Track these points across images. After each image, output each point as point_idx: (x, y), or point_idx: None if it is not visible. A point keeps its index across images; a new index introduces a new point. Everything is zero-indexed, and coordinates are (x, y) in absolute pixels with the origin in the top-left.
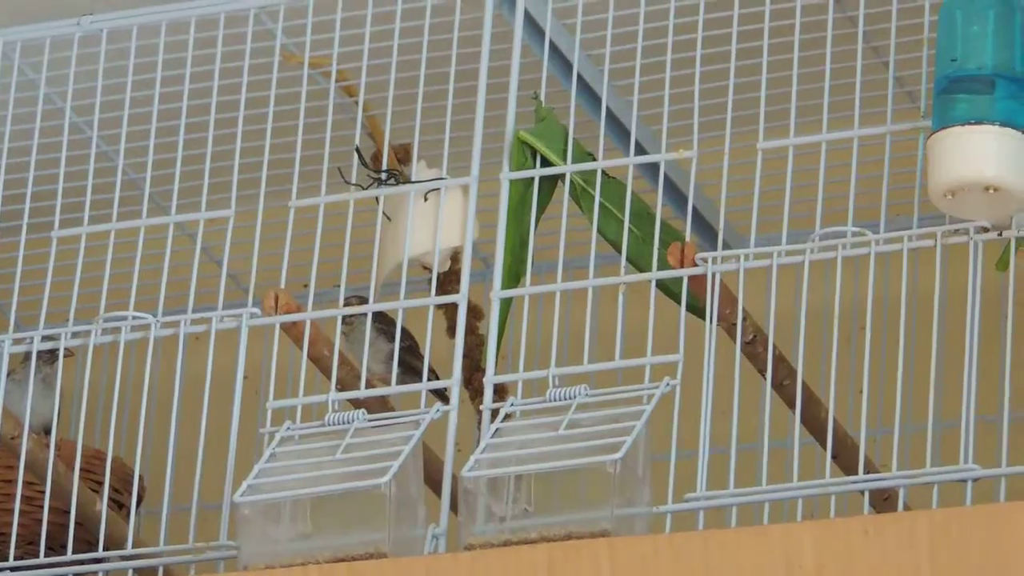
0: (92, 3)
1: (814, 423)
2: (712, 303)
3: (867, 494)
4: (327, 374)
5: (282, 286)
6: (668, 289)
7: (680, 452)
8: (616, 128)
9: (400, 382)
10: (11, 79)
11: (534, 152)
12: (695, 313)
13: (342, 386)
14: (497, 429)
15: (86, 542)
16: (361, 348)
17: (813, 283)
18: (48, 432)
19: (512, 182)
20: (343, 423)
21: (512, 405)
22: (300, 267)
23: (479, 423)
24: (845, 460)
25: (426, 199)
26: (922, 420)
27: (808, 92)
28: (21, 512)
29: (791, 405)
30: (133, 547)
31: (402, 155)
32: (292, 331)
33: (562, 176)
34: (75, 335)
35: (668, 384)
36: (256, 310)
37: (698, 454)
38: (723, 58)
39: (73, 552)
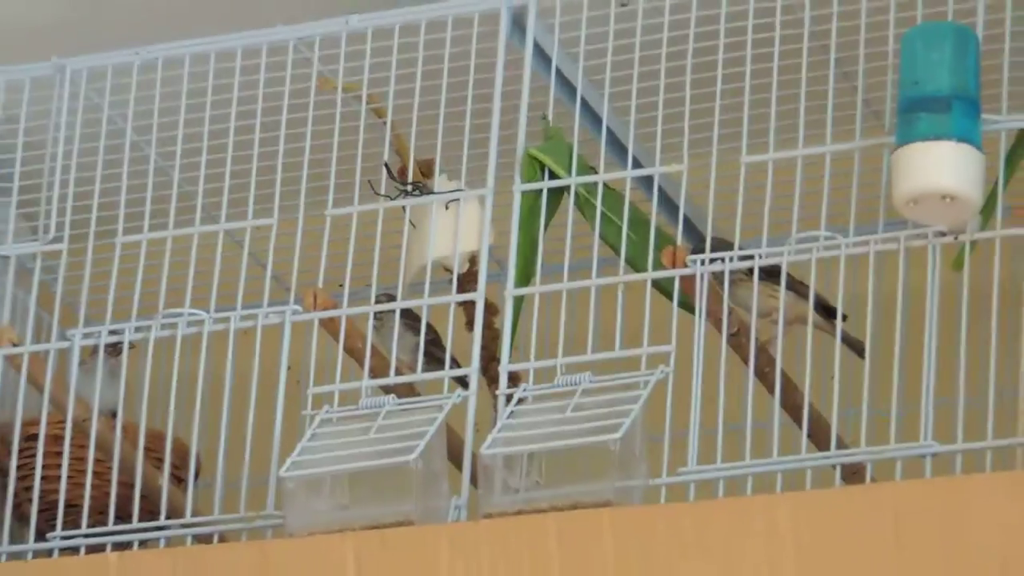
0: (149, 35)
1: (791, 406)
2: (701, 300)
3: (838, 468)
4: (360, 364)
5: (320, 286)
6: (662, 288)
7: (673, 432)
8: (615, 145)
9: (425, 371)
10: (79, 103)
11: (543, 166)
12: (686, 309)
13: (374, 374)
14: (511, 412)
15: (149, 512)
16: (390, 340)
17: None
18: (115, 415)
19: (523, 193)
20: (375, 407)
21: (524, 391)
22: (336, 269)
23: (495, 406)
24: (819, 438)
25: (447, 208)
26: (886, 402)
27: (786, 112)
28: (92, 486)
29: (771, 390)
30: (191, 516)
31: (425, 169)
32: (329, 326)
33: (567, 188)
34: (137, 330)
35: (662, 372)
36: (297, 307)
37: (689, 433)
38: (710, 82)
39: (138, 521)
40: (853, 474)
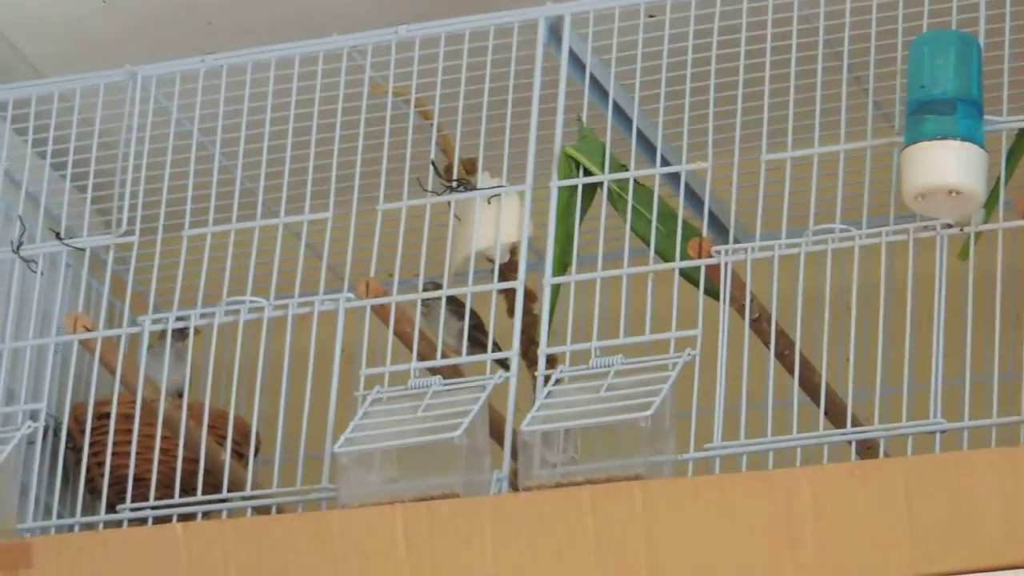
0: (215, 44)
1: (809, 385)
2: (725, 287)
3: (854, 444)
4: (409, 347)
5: (372, 275)
6: (689, 276)
7: (699, 410)
8: (644, 144)
9: (469, 354)
10: (149, 107)
11: (578, 164)
12: (711, 296)
13: (421, 357)
14: (549, 392)
15: (212, 486)
16: (437, 325)
17: (808, 271)
18: (181, 395)
19: (560, 189)
20: (423, 387)
21: (561, 372)
22: (386, 260)
23: (534, 387)
24: (835, 416)
25: (489, 203)
26: (898, 382)
27: (803, 114)
28: (159, 461)
29: (790, 371)
30: (251, 489)
31: (469, 167)
32: (380, 312)
33: (601, 184)
34: (202, 316)
35: (689, 354)
36: (351, 295)
37: (714, 411)
38: (732, 86)
39: (202, 494)
40: (868, 449)
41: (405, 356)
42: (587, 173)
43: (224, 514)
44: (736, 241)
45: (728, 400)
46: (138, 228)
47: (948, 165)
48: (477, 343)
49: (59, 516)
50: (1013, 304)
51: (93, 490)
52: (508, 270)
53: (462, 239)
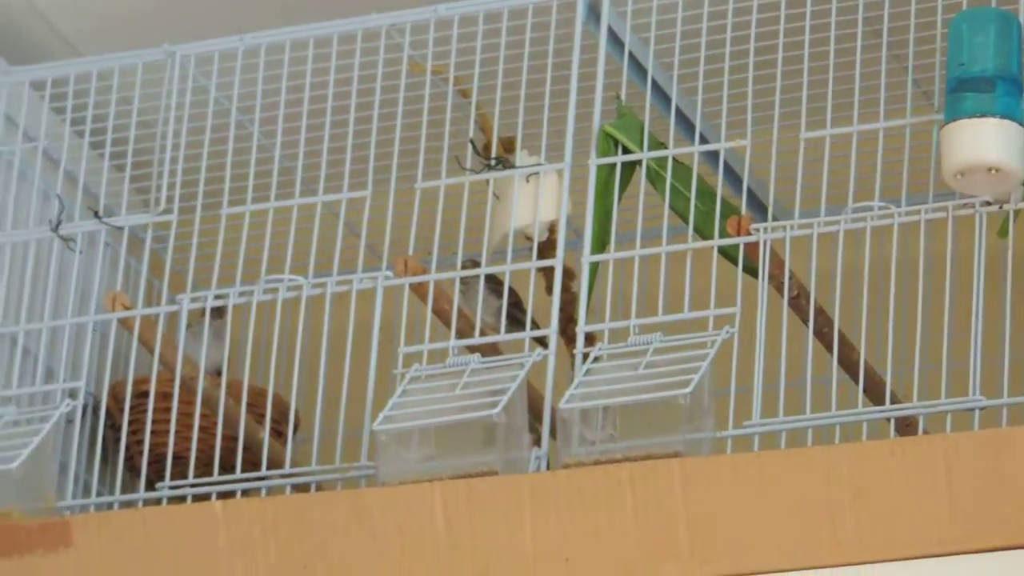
0: (253, 23)
1: (848, 363)
2: (764, 265)
3: (893, 421)
4: (448, 325)
5: (410, 253)
6: (727, 254)
7: (738, 387)
8: (683, 122)
9: (507, 331)
10: (187, 85)
11: (616, 142)
12: (750, 273)
13: (460, 335)
14: (588, 369)
15: (252, 464)
16: (475, 303)
17: (846, 248)
18: (220, 374)
19: (599, 167)
20: (461, 365)
21: (600, 350)
22: (425, 238)
23: (573, 364)
24: (874, 393)
25: (528, 181)
26: (937, 359)
27: (842, 92)
28: (198, 439)
29: (829, 348)
30: (290, 467)
31: (508, 145)
32: (419, 290)
33: (640, 162)
34: (241, 294)
35: (728, 332)
36: (389, 273)
37: (753, 389)
38: (771, 64)
39: (241, 471)
40: (906, 427)
41: (443, 334)
42: (626, 151)
43: (263, 492)
44: (775, 219)
45: (767, 378)
46: (176, 207)
47: (987, 142)
48: (515, 321)
49: (98, 494)
50: None
51: (132, 468)
52: (546, 248)
53: (500, 217)
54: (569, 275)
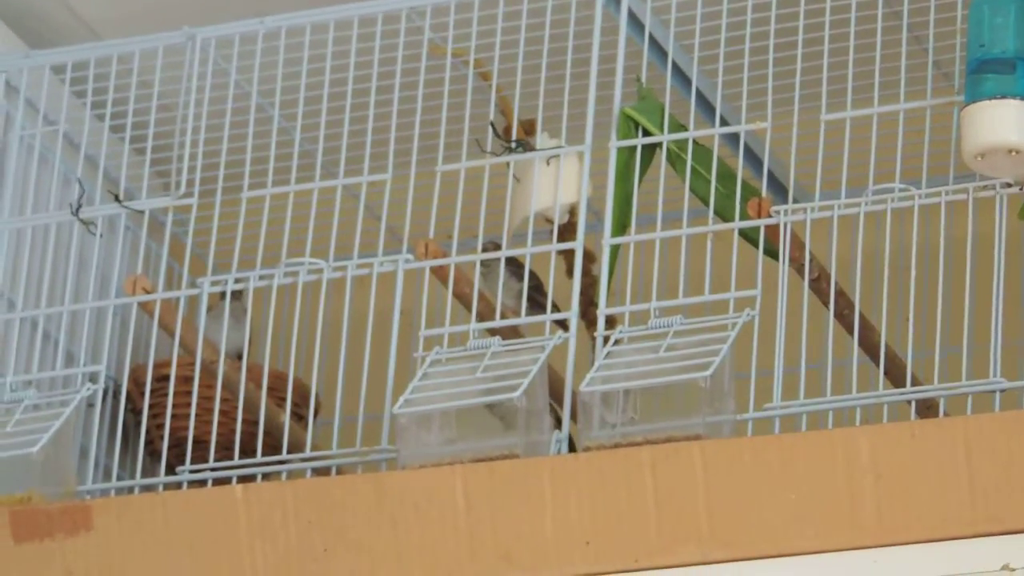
0: (273, 6)
1: (869, 345)
2: (784, 247)
3: (913, 404)
4: (468, 308)
5: (431, 236)
6: (748, 236)
7: (759, 370)
8: (703, 104)
9: (528, 315)
10: (207, 69)
11: (637, 125)
12: (770, 256)
13: (481, 318)
14: (608, 352)
15: (272, 447)
16: (496, 286)
17: (867, 230)
18: (240, 357)
19: (619, 149)
20: (482, 348)
21: (620, 332)
22: (445, 221)
23: (593, 347)
24: (895, 376)
25: (548, 164)
26: (958, 342)
27: (862, 74)
28: (219, 423)
29: (850, 331)
30: (311, 451)
31: (528, 128)
32: (439, 273)
33: (660, 144)
34: (261, 278)
35: (748, 314)
36: (410, 256)
37: (774, 372)
38: (791, 46)
39: (262, 455)
40: (927, 409)
41: (464, 317)
42: (646, 133)
43: (284, 475)
44: (795, 201)
45: (787, 360)
46: (197, 190)
47: (1008, 124)
48: (536, 304)
49: (119, 478)
50: None
51: (152, 452)
52: (567, 231)
53: (521, 200)
54: (589, 258)
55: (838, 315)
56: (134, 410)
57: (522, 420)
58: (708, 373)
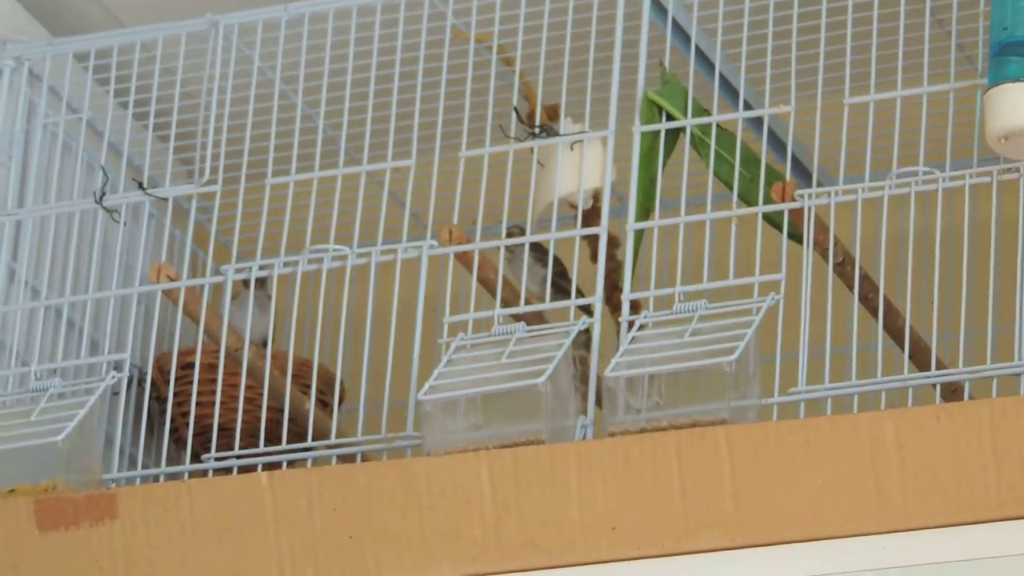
0: None
1: (893, 329)
2: (808, 231)
3: (938, 387)
4: (493, 294)
5: (455, 222)
6: (772, 220)
7: (783, 354)
8: (727, 89)
9: (552, 300)
10: (231, 55)
11: (660, 109)
12: (794, 240)
13: (505, 303)
14: (633, 337)
15: (297, 435)
16: (520, 272)
17: (891, 214)
18: (265, 344)
19: (643, 134)
20: (507, 334)
21: (645, 317)
22: (469, 206)
23: (618, 333)
24: (920, 359)
25: (572, 149)
26: (982, 325)
27: (885, 57)
28: (244, 411)
29: (874, 314)
30: (336, 438)
31: (552, 113)
32: (463, 259)
33: (683, 129)
34: (285, 265)
35: (773, 298)
36: (434, 242)
37: (798, 356)
38: (815, 30)
39: (287, 442)
40: (952, 392)
41: (488, 303)
42: (670, 118)
43: (309, 463)
44: (819, 185)
45: (812, 344)
46: (221, 177)
47: None
48: (560, 289)
49: (144, 466)
50: None
51: (178, 440)
52: (591, 216)
53: (545, 185)
54: (614, 243)
55: (863, 299)
56: (159, 398)
57: (547, 406)
58: (733, 358)
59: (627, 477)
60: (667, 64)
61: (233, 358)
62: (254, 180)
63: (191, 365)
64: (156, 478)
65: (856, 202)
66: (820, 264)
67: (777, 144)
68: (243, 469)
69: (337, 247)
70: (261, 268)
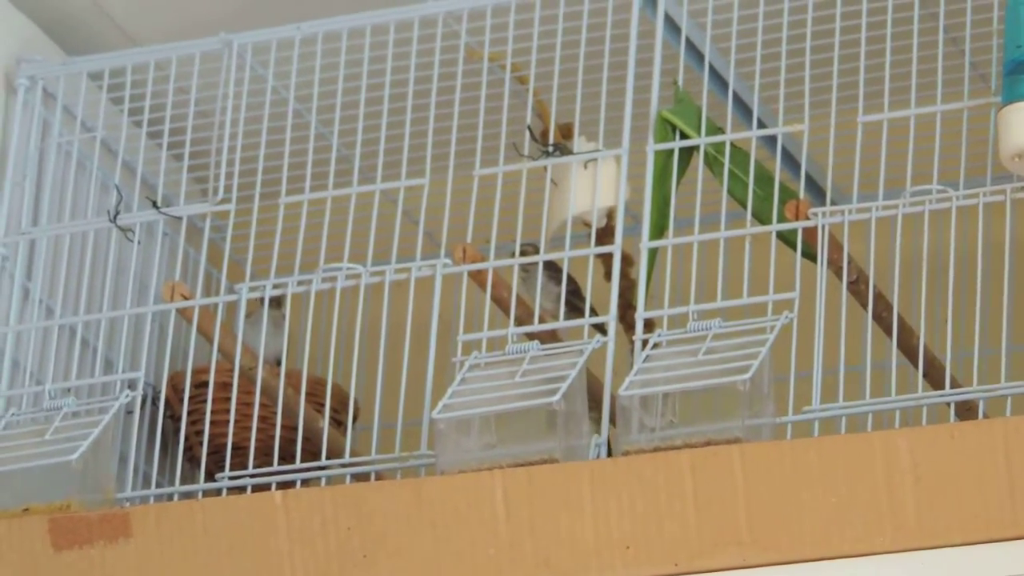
0: (310, 11)
1: (907, 347)
2: (822, 250)
3: (952, 406)
4: (506, 312)
5: (468, 241)
6: (786, 239)
7: (797, 373)
8: (741, 107)
9: (566, 318)
10: (245, 74)
11: (674, 128)
12: (808, 258)
13: (519, 322)
14: (647, 356)
15: (311, 453)
16: (534, 290)
17: (905, 232)
18: (279, 363)
19: (656, 153)
20: (521, 352)
21: (659, 336)
22: (483, 225)
23: (632, 351)
24: (934, 378)
25: (586, 167)
26: (996, 344)
27: (899, 75)
28: (258, 430)
29: (888, 333)
30: (350, 457)
31: (565, 132)
32: (477, 277)
33: (697, 147)
34: (299, 283)
35: (787, 317)
36: (448, 261)
37: (812, 374)
38: (828, 48)
39: (301, 461)
40: (966, 411)
41: (502, 321)
42: (683, 136)
43: (323, 481)
44: (833, 203)
45: (826, 363)
46: (235, 196)
47: None
48: (574, 308)
49: (158, 485)
50: None
51: (192, 459)
52: (605, 234)
53: (559, 204)
54: (628, 261)
55: (876, 317)
56: (173, 417)
57: (561, 424)
58: (747, 376)
59: (641, 496)
60: (680, 82)
61: (247, 376)
62: (268, 199)
63: (205, 384)
64: (170, 497)
65: (870, 220)
66: (834, 282)
67: (791, 162)
68: (257, 488)
69: (351, 265)
70: (275, 286)
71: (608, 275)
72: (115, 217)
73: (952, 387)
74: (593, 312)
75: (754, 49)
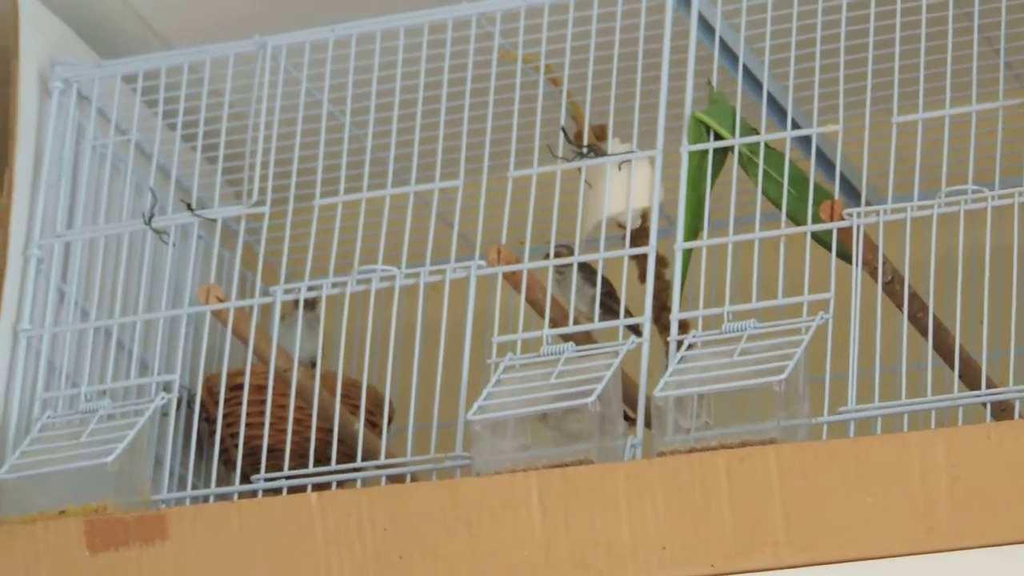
0: (344, 13)
1: (943, 348)
2: (857, 250)
3: (988, 406)
4: (541, 314)
5: (503, 242)
6: (821, 239)
7: (833, 373)
8: (775, 108)
9: (601, 320)
10: (279, 77)
11: (708, 129)
12: (843, 259)
13: (554, 323)
14: (682, 357)
15: (346, 455)
16: (569, 292)
17: (940, 232)
18: (314, 365)
19: (691, 154)
20: (555, 354)
21: (694, 337)
22: (517, 227)
23: (667, 352)
24: (970, 378)
25: (620, 169)
26: None
27: (934, 75)
28: (293, 432)
29: (924, 333)
30: (385, 458)
31: (600, 133)
32: (512, 279)
33: (732, 148)
34: (334, 285)
35: (822, 317)
36: (482, 262)
37: (848, 375)
38: (863, 48)
39: (336, 463)
40: (1002, 411)
41: (537, 323)
42: (718, 137)
43: (358, 483)
44: (868, 203)
45: (861, 363)
46: (269, 198)
47: None
48: (609, 309)
49: (193, 487)
50: None
51: (227, 461)
52: (639, 236)
53: (593, 205)
54: (662, 263)
55: (912, 317)
56: (208, 419)
57: (596, 426)
58: (783, 377)
59: (677, 497)
60: (715, 83)
61: (282, 379)
62: (302, 201)
63: (240, 386)
64: (206, 499)
65: (905, 221)
66: (869, 283)
67: (825, 163)
68: (293, 490)
69: (386, 268)
70: (310, 289)
71: (643, 276)
72: (150, 220)
73: (988, 387)
74: (628, 313)
75: (788, 49)
